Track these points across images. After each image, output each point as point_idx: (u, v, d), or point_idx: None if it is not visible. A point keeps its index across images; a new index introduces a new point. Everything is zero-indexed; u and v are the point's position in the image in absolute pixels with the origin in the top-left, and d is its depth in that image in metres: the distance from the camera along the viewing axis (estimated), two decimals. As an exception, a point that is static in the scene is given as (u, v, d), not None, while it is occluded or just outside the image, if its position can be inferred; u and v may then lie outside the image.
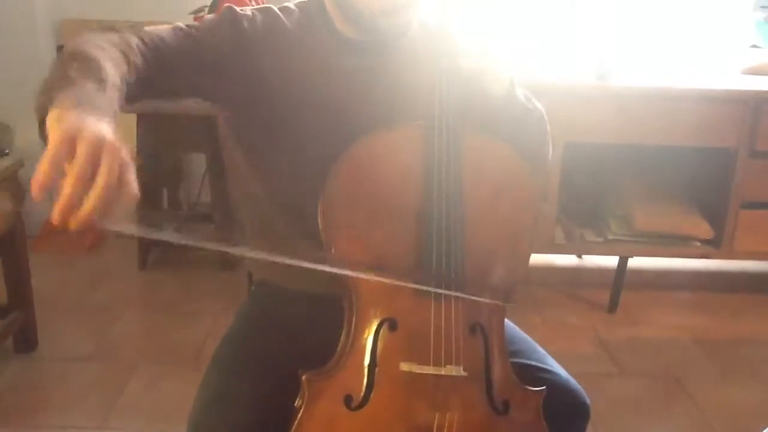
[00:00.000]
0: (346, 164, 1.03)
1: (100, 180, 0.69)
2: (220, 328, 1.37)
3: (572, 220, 2.59)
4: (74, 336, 2.34)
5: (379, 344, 0.99)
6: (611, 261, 2.71)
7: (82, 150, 0.69)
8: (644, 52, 2.70)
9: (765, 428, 1.43)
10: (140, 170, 2.75)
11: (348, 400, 0.98)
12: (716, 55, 2.73)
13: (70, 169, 0.69)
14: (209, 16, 1.13)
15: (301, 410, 0.97)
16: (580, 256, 3.10)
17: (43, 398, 2.02)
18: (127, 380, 2.10)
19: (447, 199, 1.01)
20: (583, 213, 2.63)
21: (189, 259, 2.95)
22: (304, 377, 0.98)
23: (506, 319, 1.10)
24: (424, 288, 0.97)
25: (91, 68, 0.85)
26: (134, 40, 0.98)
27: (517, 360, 1.12)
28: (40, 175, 0.68)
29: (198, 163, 3.02)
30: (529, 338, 1.25)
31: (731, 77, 2.52)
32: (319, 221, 1.02)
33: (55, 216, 0.69)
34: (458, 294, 0.99)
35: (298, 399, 1.00)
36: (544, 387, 1.07)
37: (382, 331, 0.99)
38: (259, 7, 1.15)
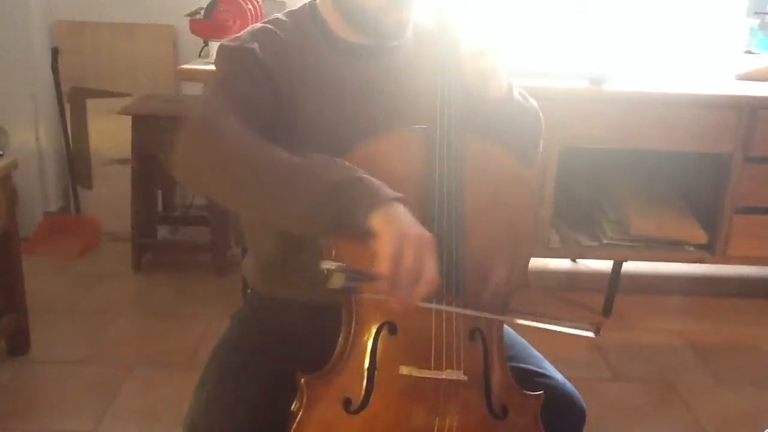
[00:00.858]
0: None
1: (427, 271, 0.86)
2: (214, 332, 1.36)
3: (567, 224, 2.59)
4: (68, 339, 2.33)
5: (379, 347, 0.99)
6: (606, 265, 2.71)
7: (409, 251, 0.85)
8: (639, 58, 2.71)
9: (765, 429, 1.43)
10: (135, 171, 2.69)
11: (347, 403, 0.97)
12: (711, 61, 2.74)
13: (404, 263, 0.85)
14: (217, 65, 1.11)
15: (300, 413, 0.97)
16: (574, 260, 3.11)
17: (36, 401, 2.01)
18: (121, 383, 2.09)
19: (448, 204, 1.01)
20: (578, 217, 2.63)
21: (183, 263, 2.94)
22: (302, 380, 0.98)
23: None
24: (428, 305, 0.96)
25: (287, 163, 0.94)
26: (236, 124, 0.99)
27: (514, 364, 1.12)
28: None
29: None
30: (525, 342, 1.25)
31: (726, 83, 2.53)
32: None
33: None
34: (459, 310, 0.99)
35: (295, 402, 0.99)
36: (542, 391, 1.07)
37: (381, 334, 0.99)
38: (250, 30, 1.13)
